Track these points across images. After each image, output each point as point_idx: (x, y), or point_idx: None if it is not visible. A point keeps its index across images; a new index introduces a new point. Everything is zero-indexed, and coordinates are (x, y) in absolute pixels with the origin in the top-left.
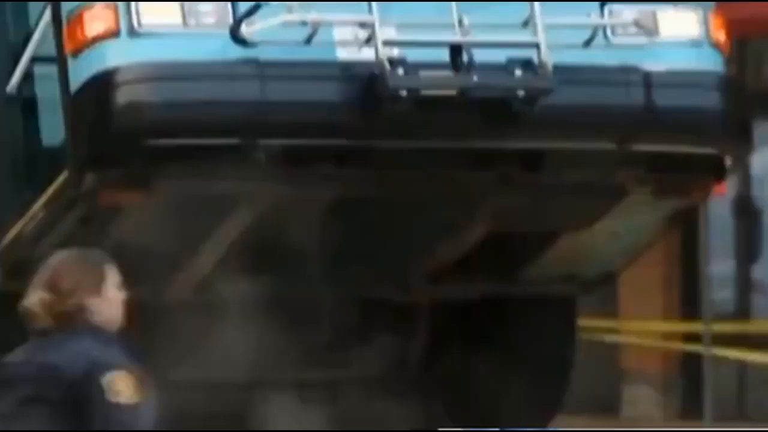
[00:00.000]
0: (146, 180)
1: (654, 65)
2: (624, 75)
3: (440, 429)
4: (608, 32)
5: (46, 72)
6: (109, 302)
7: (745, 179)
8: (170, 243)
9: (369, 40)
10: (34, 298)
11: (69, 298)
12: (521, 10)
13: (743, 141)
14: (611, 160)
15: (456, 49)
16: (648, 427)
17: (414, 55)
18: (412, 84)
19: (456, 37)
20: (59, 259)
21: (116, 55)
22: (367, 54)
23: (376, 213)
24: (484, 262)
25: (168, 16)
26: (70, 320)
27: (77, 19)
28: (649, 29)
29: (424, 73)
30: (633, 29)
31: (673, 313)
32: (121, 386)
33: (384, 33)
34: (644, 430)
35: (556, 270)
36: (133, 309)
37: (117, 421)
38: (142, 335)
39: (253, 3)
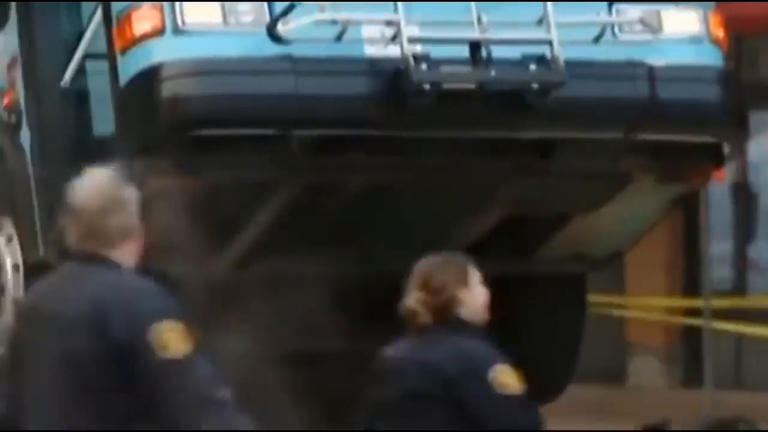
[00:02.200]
0: (189, 167)
1: (658, 60)
2: (630, 69)
3: None
4: (615, 30)
5: (97, 67)
6: (474, 296)
7: (742, 165)
8: (212, 225)
9: (395, 38)
10: (412, 299)
11: (441, 293)
12: (535, 9)
13: (740, 130)
14: (618, 148)
15: (475, 46)
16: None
17: (436, 51)
18: (435, 78)
19: (475, 35)
20: (427, 262)
21: (162, 52)
22: (393, 51)
23: (401, 198)
24: (500, 242)
25: (209, 15)
26: (443, 314)
27: (126, 19)
28: (654, 27)
29: (445, 68)
30: (638, 27)
31: (675, 289)
32: (506, 380)
33: (409, 31)
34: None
35: (568, 250)
36: None
37: (506, 414)
38: (186, 308)
39: (288, 3)
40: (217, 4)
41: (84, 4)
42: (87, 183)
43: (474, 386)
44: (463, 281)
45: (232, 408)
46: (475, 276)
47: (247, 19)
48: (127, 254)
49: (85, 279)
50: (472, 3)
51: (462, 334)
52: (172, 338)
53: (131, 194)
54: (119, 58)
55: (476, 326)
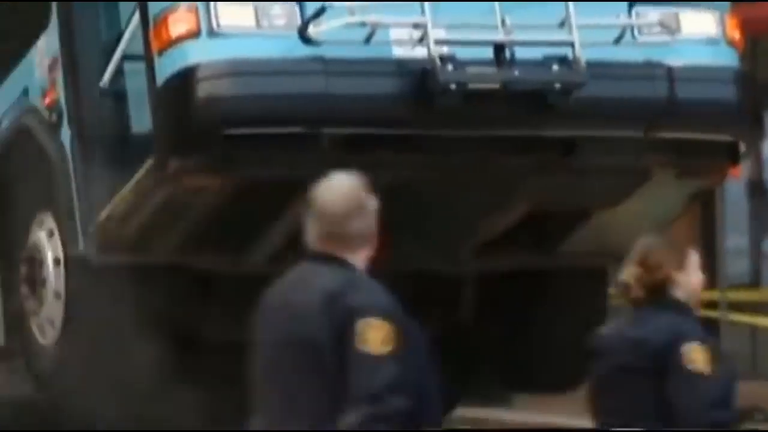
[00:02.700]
0: (224, 165)
1: (676, 61)
2: (649, 70)
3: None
4: (635, 31)
5: (135, 68)
6: (690, 279)
7: (757, 163)
8: (245, 220)
9: (422, 40)
10: (628, 273)
11: (656, 271)
12: (557, 12)
13: (755, 129)
14: (638, 146)
15: (499, 47)
16: None
17: (462, 52)
18: (460, 79)
19: (499, 37)
20: (648, 241)
21: (197, 53)
22: (420, 52)
23: (428, 194)
24: (524, 237)
25: (243, 18)
26: (657, 292)
27: (162, 21)
28: (672, 29)
29: (470, 69)
30: (657, 29)
31: None
32: (697, 357)
33: (435, 33)
34: None
35: (589, 244)
36: None
37: (691, 390)
38: (221, 300)
39: (318, 6)
40: (251, 7)
41: (122, 6)
42: (332, 187)
43: (669, 360)
44: (681, 264)
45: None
46: (694, 260)
47: (280, 21)
48: (361, 258)
49: (319, 274)
50: (496, 5)
51: (673, 312)
52: (373, 335)
53: (372, 202)
54: (156, 59)
55: (687, 307)
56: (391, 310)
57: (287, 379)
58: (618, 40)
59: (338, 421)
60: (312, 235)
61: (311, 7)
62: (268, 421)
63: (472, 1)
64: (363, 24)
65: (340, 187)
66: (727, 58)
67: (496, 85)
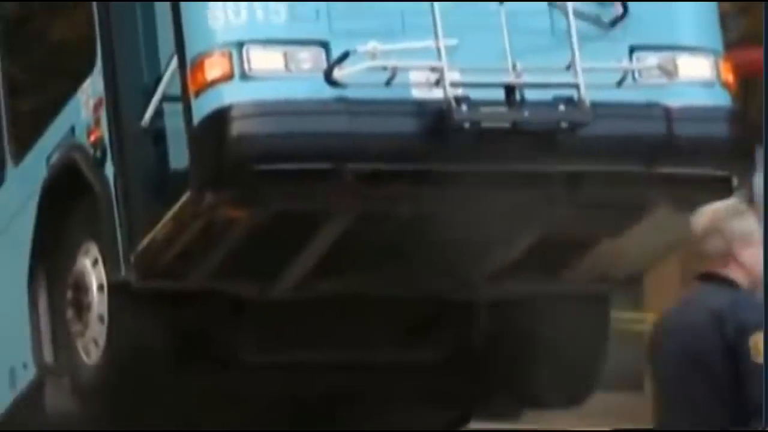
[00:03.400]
0: (255, 198)
1: (674, 101)
2: (649, 110)
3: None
4: (636, 74)
5: (173, 109)
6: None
7: (748, 195)
8: (274, 249)
9: (438, 82)
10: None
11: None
12: (564, 56)
13: (747, 164)
14: (639, 181)
15: (510, 89)
16: None
17: (475, 94)
18: (474, 118)
19: (510, 79)
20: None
21: (230, 95)
22: (437, 93)
23: (444, 224)
24: (533, 265)
25: (273, 61)
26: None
27: (198, 65)
28: (670, 72)
29: (483, 109)
30: (656, 72)
31: None
32: (759, 347)
33: (451, 76)
34: None
35: (593, 271)
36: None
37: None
38: (252, 323)
39: (343, 51)
40: (280, 51)
41: (161, 50)
42: (702, 212)
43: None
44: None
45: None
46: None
47: (307, 65)
48: (739, 275)
49: (707, 295)
50: (507, 50)
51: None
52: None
53: (738, 223)
54: (192, 100)
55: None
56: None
57: (686, 392)
58: (620, 83)
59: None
60: (697, 259)
61: (336, 52)
62: (673, 429)
63: (485, 46)
64: (384, 68)
65: (707, 211)
66: (721, 99)
67: (507, 124)
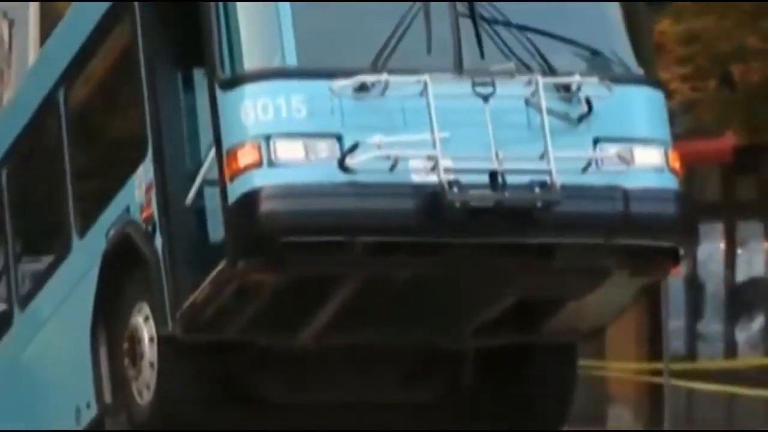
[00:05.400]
0: (280, 265)
1: (631, 185)
2: (610, 192)
3: None
4: (599, 162)
5: (211, 191)
6: None
7: (693, 263)
8: (296, 307)
9: (434, 168)
10: None
11: None
12: (539, 146)
13: (692, 237)
14: (601, 251)
15: (493, 174)
16: None
17: (465, 178)
18: (464, 199)
19: (494, 166)
20: None
21: (260, 179)
22: (433, 178)
23: (437, 287)
24: (513, 321)
25: (295, 151)
26: None
27: (233, 154)
28: (627, 160)
29: (472, 192)
30: (616, 160)
31: (642, 354)
32: None
33: (444, 163)
34: None
35: (563, 325)
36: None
37: None
38: (277, 369)
39: (353, 142)
40: (301, 143)
41: (201, 142)
42: None
43: None
44: None
45: None
46: None
47: (323, 154)
48: None
49: None
50: (492, 141)
51: None
52: None
53: None
54: (228, 184)
55: None
56: None
57: None
58: (585, 169)
59: None
60: None
61: (348, 143)
62: None
63: (473, 138)
64: (388, 156)
65: None
66: (670, 183)
67: (492, 204)
